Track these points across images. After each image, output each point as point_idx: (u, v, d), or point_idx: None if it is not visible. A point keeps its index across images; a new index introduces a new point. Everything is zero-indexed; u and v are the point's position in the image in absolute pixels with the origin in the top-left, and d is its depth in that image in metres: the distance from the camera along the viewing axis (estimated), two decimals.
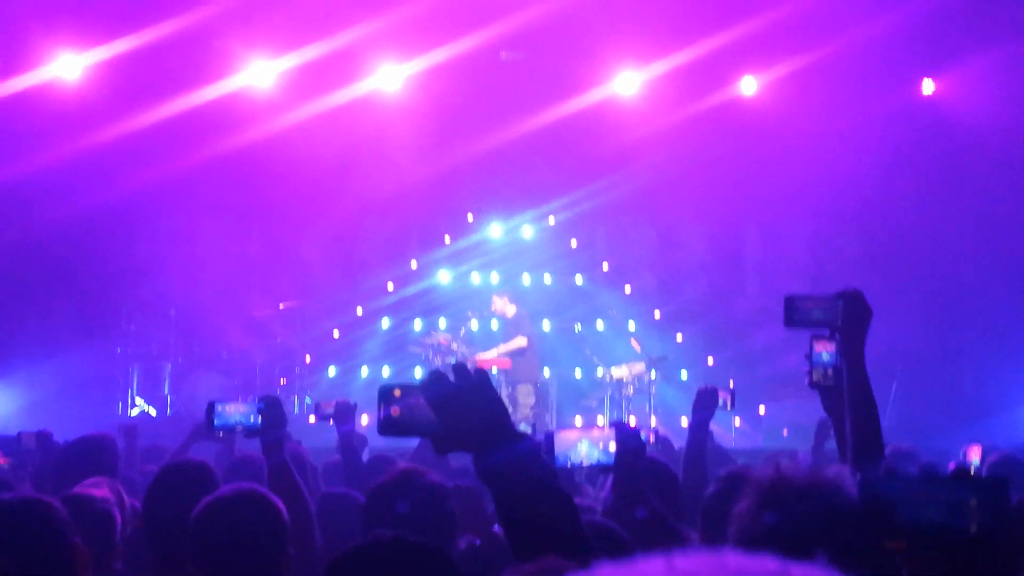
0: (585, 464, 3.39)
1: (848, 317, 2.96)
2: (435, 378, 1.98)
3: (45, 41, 11.33)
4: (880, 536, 1.52)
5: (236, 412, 4.12)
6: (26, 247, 12.01)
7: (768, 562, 0.54)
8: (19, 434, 6.55)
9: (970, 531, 1.44)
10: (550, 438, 3.29)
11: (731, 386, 5.62)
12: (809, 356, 3.08)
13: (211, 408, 4.12)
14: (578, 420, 12.24)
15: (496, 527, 3.01)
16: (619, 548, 2.77)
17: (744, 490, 1.97)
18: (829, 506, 1.87)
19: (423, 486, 3.42)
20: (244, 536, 2.82)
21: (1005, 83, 12.40)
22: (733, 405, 5.56)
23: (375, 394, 2.10)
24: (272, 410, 4.05)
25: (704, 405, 5.15)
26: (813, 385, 3.10)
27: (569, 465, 3.35)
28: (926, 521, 1.45)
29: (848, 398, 2.94)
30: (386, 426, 2.06)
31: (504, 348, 11.96)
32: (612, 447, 3.36)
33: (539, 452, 2.02)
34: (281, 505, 2.95)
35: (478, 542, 3.68)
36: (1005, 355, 12.89)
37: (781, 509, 1.90)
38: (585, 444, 3.34)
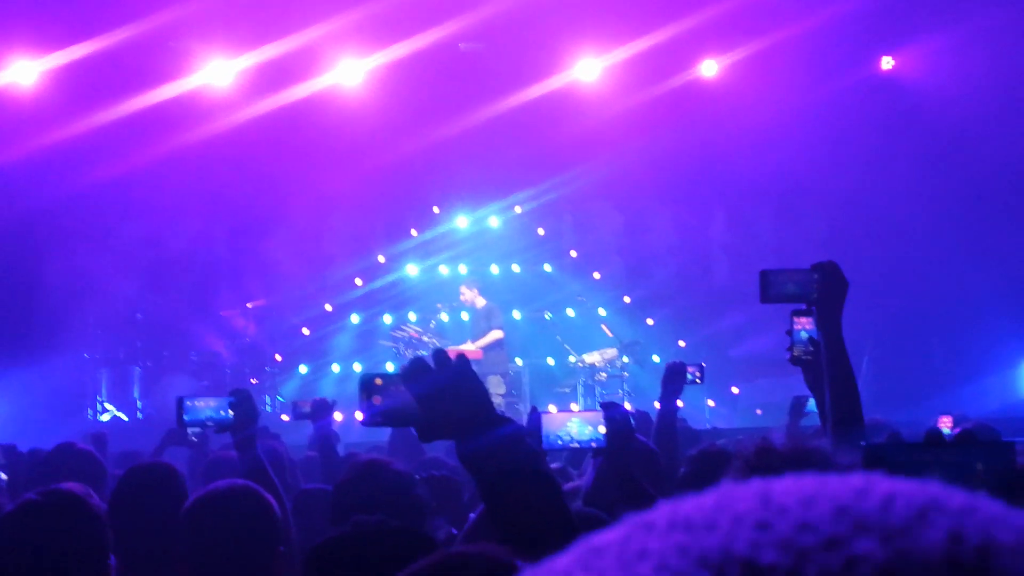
0: (576, 443, 3.32)
1: (824, 290, 2.94)
2: (416, 366, 1.95)
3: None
4: None
5: (207, 407, 4.05)
6: None
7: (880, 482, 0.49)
8: None
9: None
10: (537, 417, 3.24)
11: (703, 366, 5.51)
12: (790, 332, 3.05)
13: (181, 404, 4.04)
14: (552, 408, 12.22)
15: (472, 515, 2.98)
16: None
17: (729, 464, 1.95)
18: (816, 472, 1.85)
19: (389, 475, 3.42)
20: (237, 531, 2.75)
21: (963, 58, 12.50)
22: (702, 379, 5.45)
23: (348, 390, 2.07)
24: (244, 404, 3.98)
25: (672, 380, 5.02)
26: (794, 361, 3.07)
27: (559, 444, 3.29)
28: None
29: (826, 371, 2.92)
30: (369, 416, 2.03)
31: (481, 342, 11.89)
32: (603, 428, 3.30)
33: (522, 435, 2.00)
34: (274, 501, 2.90)
35: (455, 531, 3.66)
36: (973, 326, 13.02)
37: (768, 478, 1.87)
38: (575, 422, 3.29)
